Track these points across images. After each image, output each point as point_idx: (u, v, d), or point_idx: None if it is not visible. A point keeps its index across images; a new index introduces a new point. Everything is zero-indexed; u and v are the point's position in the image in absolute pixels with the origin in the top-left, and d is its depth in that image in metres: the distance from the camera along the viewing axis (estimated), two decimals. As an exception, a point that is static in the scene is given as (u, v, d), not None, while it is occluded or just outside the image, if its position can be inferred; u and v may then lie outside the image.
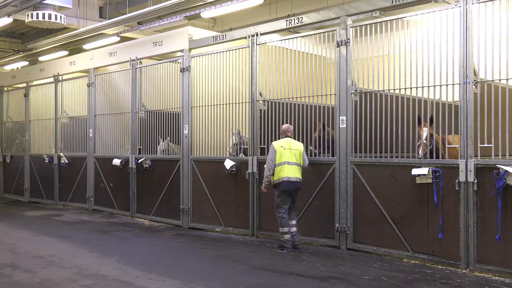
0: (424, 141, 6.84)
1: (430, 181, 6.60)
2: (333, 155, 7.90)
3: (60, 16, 12.11)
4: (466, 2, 6.47)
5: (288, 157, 7.51)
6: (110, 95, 12.12)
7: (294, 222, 7.68)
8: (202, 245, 8.18)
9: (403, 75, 7.05)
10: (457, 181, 6.40)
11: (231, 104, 9.22)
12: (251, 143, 8.84)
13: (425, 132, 6.85)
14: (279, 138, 8.32)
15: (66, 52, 17.18)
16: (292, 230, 7.61)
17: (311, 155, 8.15)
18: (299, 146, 7.69)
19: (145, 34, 14.53)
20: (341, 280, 5.97)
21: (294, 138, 7.99)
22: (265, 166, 7.73)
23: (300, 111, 8.21)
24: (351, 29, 7.60)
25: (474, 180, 6.25)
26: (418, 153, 6.84)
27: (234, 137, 9.14)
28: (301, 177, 7.60)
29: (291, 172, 7.48)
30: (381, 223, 7.18)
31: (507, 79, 6.12)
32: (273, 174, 7.59)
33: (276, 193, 7.62)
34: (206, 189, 9.55)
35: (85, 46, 15.64)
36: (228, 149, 9.36)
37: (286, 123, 8.26)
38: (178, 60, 10.34)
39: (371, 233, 7.33)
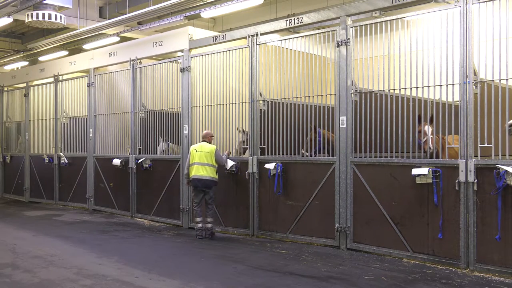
0: (431, 136, 6.83)
1: (430, 181, 6.60)
2: (332, 156, 7.90)
3: (60, 16, 12.11)
4: (466, 2, 6.47)
5: (198, 158, 8.58)
6: (110, 95, 12.12)
7: (208, 219, 8.71)
8: (202, 245, 8.18)
9: (403, 75, 7.05)
10: (457, 181, 6.40)
11: (231, 104, 9.22)
12: (251, 143, 8.85)
13: (428, 129, 6.85)
14: (279, 138, 8.47)
15: (66, 52, 17.17)
16: (207, 226, 8.68)
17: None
18: (210, 148, 8.65)
19: (145, 34, 14.52)
20: (341, 280, 5.98)
21: (294, 138, 8.22)
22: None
23: (300, 111, 8.22)
24: (351, 29, 7.60)
25: (474, 180, 6.26)
26: (429, 147, 6.83)
27: (240, 135, 9.13)
28: (212, 175, 8.61)
29: (200, 171, 8.54)
30: (381, 223, 7.18)
31: (507, 79, 6.13)
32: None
33: (192, 188, 8.85)
34: (206, 189, 9.54)
35: (85, 46, 15.64)
36: (235, 147, 9.31)
37: (286, 123, 8.36)
38: (178, 60, 10.34)
39: (371, 233, 7.32)
